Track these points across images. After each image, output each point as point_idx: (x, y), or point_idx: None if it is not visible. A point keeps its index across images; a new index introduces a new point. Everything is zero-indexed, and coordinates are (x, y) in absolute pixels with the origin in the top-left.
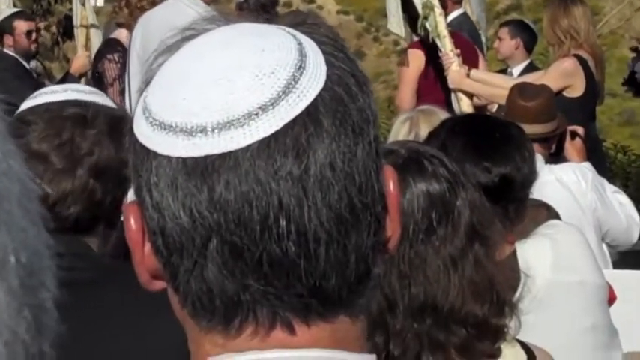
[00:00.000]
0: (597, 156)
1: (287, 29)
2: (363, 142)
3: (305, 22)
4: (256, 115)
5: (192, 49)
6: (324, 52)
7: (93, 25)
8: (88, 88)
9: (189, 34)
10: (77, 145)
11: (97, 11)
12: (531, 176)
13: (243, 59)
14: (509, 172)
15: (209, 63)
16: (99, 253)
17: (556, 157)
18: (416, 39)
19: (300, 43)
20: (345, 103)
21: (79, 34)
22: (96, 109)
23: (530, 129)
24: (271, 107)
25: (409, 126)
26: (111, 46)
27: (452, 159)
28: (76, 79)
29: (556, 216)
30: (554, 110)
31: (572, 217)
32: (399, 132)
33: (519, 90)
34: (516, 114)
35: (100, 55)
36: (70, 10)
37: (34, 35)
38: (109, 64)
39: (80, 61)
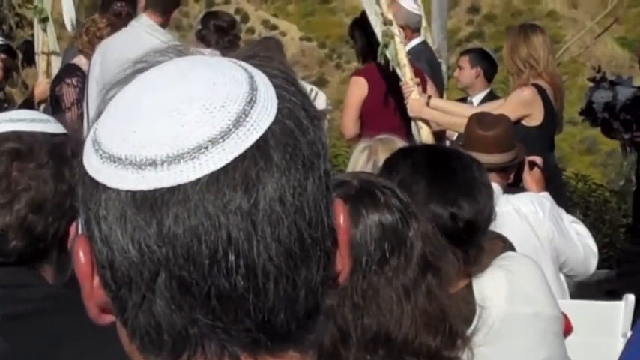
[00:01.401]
0: (556, 185)
1: (238, 62)
2: (313, 176)
3: (257, 55)
4: (206, 148)
5: (143, 81)
6: (276, 86)
7: (54, 52)
8: (30, 115)
9: (140, 66)
10: (14, 180)
11: (59, 36)
12: (492, 217)
13: (193, 92)
14: (473, 217)
15: (159, 96)
16: (49, 283)
17: (514, 187)
18: (361, 66)
19: (251, 77)
20: (295, 137)
21: (40, 60)
22: (34, 140)
23: (488, 158)
24: (221, 141)
25: (368, 154)
26: (70, 70)
27: (416, 200)
28: (35, 106)
29: (511, 248)
30: (513, 140)
31: (530, 247)
32: (358, 161)
33: (477, 119)
34: (474, 143)
35: (59, 79)
36: (31, 35)
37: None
38: (67, 88)
39: (41, 87)
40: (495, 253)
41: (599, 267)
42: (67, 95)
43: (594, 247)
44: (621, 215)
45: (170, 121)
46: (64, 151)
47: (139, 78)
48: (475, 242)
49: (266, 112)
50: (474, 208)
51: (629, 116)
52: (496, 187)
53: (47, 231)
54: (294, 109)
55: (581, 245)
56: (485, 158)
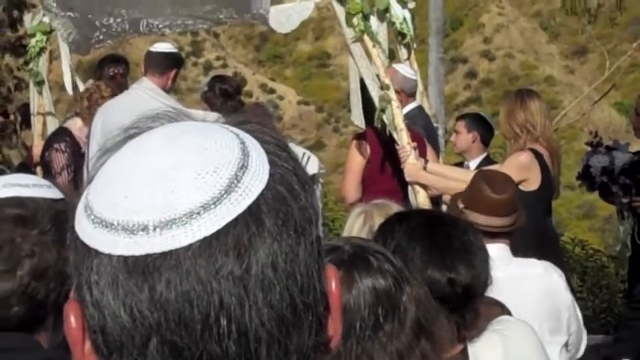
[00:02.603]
0: (554, 250)
1: (230, 128)
2: (305, 241)
3: (248, 121)
4: (198, 213)
5: (135, 146)
6: (267, 151)
7: (50, 114)
8: (31, 180)
9: (132, 132)
10: (17, 246)
11: (57, 99)
12: (488, 282)
13: (185, 157)
14: (471, 282)
15: (151, 161)
16: (44, 348)
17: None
18: (361, 130)
19: (243, 142)
20: (287, 203)
21: (36, 122)
22: (37, 206)
23: (498, 222)
24: (213, 206)
25: (363, 219)
26: (58, 135)
27: (412, 266)
28: (30, 169)
29: (508, 314)
30: (517, 201)
31: (545, 312)
32: (354, 225)
33: (487, 181)
34: (484, 206)
35: (48, 144)
36: (29, 98)
37: None
38: (55, 153)
39: (37, 150)
40: (491, 318)
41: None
42: (56, 161)
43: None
44: (619, 280)
45: (162, 186)
46: (66, 218)
47: (131, 143)
48: (472, 307)
49: (258, 177)
50: (471, 273)
51: (628, 180)
52: (505, 248)
53: (48, 297)
54: (285, 174)
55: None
56: (495, 221)
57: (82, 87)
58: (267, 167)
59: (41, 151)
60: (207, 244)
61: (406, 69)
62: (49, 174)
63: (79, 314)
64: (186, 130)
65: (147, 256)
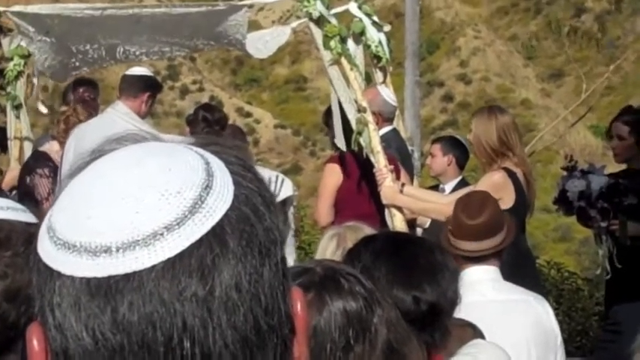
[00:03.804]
0: (529, 270)
1: (195, 148)
2: (269, 262)
3: (214, 143)
4: (161, 234)
5: (99, 168)
6: (232, 172)
7: (27, 138)
8: (4, 203)
9: (97, 154)
10: None
11: (33, 123)
12: (456, 300)
13: (149, 178)
14: (436, 300)
15: (115, 181)
16: None
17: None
18: (335, 154)
19: (207, 163)
20: (251, 223)
21: (12, 146)
22: (11, 228)
23: (480, 245)
24: (177, 227)
25: (336, 242)
26: (40, 160)
27: (378, 286)
28: (7, 194)
29: (481, 335)
30: (501, 219)
31: (538, 339)
32: (327, 248)
33: (462, 207)
34: (463, 232)
35: (29, 169)
36: (5, 122)
37: None
38: (39, 179)
39: (12, 174)
40: (464, 340)
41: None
42: (41, 187)
43: None
44: (594, 303)
45: (125, 207)
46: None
47: (94, 165)
48: (440, 325)
49: (222, 198)
50: (436, 291)
51: (606, 204)
52: (495, 270)
53: (19, 320)
54: (250, 195)
55: None
56: (475, 246)
57: (44, 110)
58: (231, 188)
59: (19, 177)
60: (171, 265)
61: (389, 93)
62: (28, 199)
63: (42, 337)
64: (151, 151)
65: (109, 277)
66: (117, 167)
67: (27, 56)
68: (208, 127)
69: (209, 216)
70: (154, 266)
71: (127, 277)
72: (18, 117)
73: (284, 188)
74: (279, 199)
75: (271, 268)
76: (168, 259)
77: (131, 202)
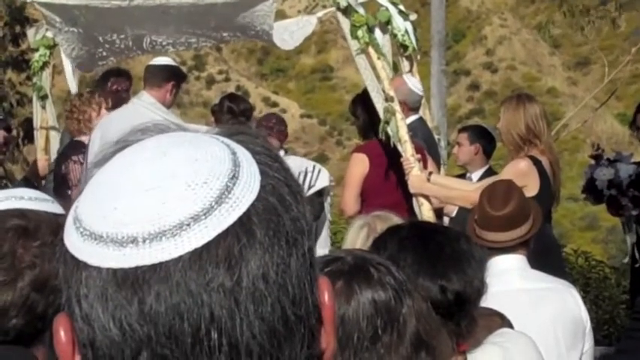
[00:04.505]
0: (554, 258)
1: (221, 138)
2: (296, 252)
3: (240, 132)
4: (188, 225)
5: (124, 158)
6: (259, 162)
7: (53, 128)
8: (33, 193)
9: (122, 145)
10: (19, 257)
11: (60, 114)
12: (483, 289)
13: (175, 169)
14: (463, 289)
15: (140, 172)
16: None
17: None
18: (361, 143)
19: (234, 153)
20: (278, 214)
21: (39, 136)
22: (39, 219)
23: (504, 236)
24: (204, 217)
25: (367, 232)
26: (76, 147)
27: (404, 274)
28: (33, 184)
29: (509, 325)
30: (527, 209)
31: (561, 326)
32: (357, 238)
33: (487, 198)
34: (488, 223)
35: (65, 156)
36: (32, 112)
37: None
38: (73, 165)
39: (40, 164)
40: (491, 329)
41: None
42: (73, 173)
43: None
44: (621, 292)
45: (151, 198)
46: None
47: (120, 155)
48: (466, 314)
49: (249, 188)
50: (462, 280)
51: (637, 192)
52: (521, 259)
53: (47, 310)
54: (277, 185)
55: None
56: (502, 237)
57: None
58: (258, 178)
59: (56, 163)
60: (198, 255)
61: (414, 82)
62: (64, 186)
63: (69, 328)
64: (177, 142)
65: (136, 268)
66: (143, 158)
67: (52, 47)
68: (233, 117)
69: (236, 206)
70: (180, 257)
71: (154, 268)
72: (44, 107)
73: (320, 178)
74: (316, 189)
75: (298, 258)
76: (195, 250)
77: (157, 192)
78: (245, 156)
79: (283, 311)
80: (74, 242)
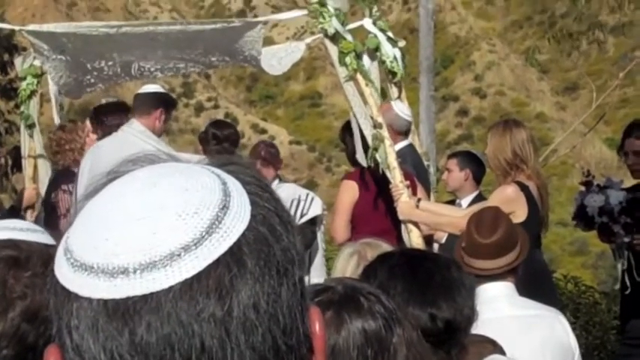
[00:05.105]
0: (546, 285)
1: (212, 169)
2: (287, 282)
3: (230, 163)
4: (179, 255)
5: (115, 189)
6: (249, 192)
7: (41, 156)
8: (25, 224)
9: (113, 176)
10: (10, 287)
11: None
12: (473, 317)
13: (166, 199)
14: (453, 317)
15: (131, 203)
16: None
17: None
18: (351, 170)
19: (224, 183)
20: (269, 244)
21: (27, 165)
22: (30, 249)
23: (492, 264)
24: (194, 248)
25: (357, 260)
26: (66, 176)
27: (394, 303)
28: (22, 212)
29: (501, 352)
30: (515, 236)
31: (550, 353)
32: (347, 266)
33: (475, 225)
34: (475, 251)
35: (55, 184)
36: (20, 141)
37: None
38: (62, 194)
39: (27, 193)
40: (483, 356)
41: None
42: (62, 202)
43: None
44: (612, 317)
45: (142, 228)
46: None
47: (111, 186)
48: (457, 342)
49: (239, 218)
50: (452, 308)
51: (629, 219)
52: (509, 286)
53: (38, 341)
54: (268, 215)
55: None
56: (489, 264)
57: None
58: (248, 208)
59: (47, 191)
60: (189, 286)
61: (402, 108)
62: (53, 215)
63: (60, 359)
64: (167, 172)
65: (127, 299)
66: (133, 188)
67: (40, 75)
68: (218, 144)
69: (226, 236)
70: (171, 287)
71: (145, 299)
72: (31, 136)
73: (313, 207)
74: (308, 217)
75: (289, 287)
76: (186, 280)
77: (148, 222)
78: (235, 186)
79: (274, 341)
80: (65, 273)
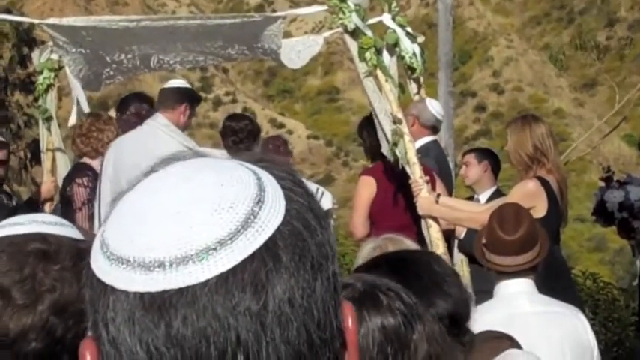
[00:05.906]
0: (564, 281)
1: (246, 164)
2: (321, 277)
3: (263, 159)
4: (214, 249)
5: (151, 183)
6: (283, 188)
7: (59, 150)
8: (54, 219)
9: (150, 173)
10: (39, 280)
11: (68, 135)
12: (468, 299)
13: (201, 193)
14: (452, 309)
15: (167, 197)
16: None
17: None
18: (369, 166)
19: (259, 178)
20: (303, 238)
21: (45, 158)
22: (60, 243)
23: (516, 260)
24: (230, 242)
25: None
26: (80, 170)
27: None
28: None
29: (518, 347)
30: (536, 233)
31: (568, 350)
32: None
33: (499, 221)
34: (498, 247)
35: (70, 178)
36: (39, 134)
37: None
38: (77, 188)
39: (46, 186)
40: (499, 351)
41: None
42: (77, 195)
43: None
44: (630, 313)
45: (178, 222)
46: (87, 256)
47: (146, 181)
48: (463, 330)
49: (274, 213)
50: (449, 300)
51: None
52: (529, 283)
53: (66, 334)
54: (301, 210)
55: None
56: (511, 261)
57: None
58: (283, 203)
59: (62, 185)
60: (224, 279)
61: (434, 104)
62: (69, 209)
63: (95, 352)
64: (202, 167)
65: (163, 292)
66: (169, 184)
67: (57, 69)
68: (235, 136)
69: (262, 230)
70: (207, 280)
71: (181, 292)
72: (49, 130)
73: (324, 201)
74: None
75: (323, 282)
76: (222, 274)
77: (184, 217)
78: (270, 181)
79: (308, 335)
80: (101, 266)
